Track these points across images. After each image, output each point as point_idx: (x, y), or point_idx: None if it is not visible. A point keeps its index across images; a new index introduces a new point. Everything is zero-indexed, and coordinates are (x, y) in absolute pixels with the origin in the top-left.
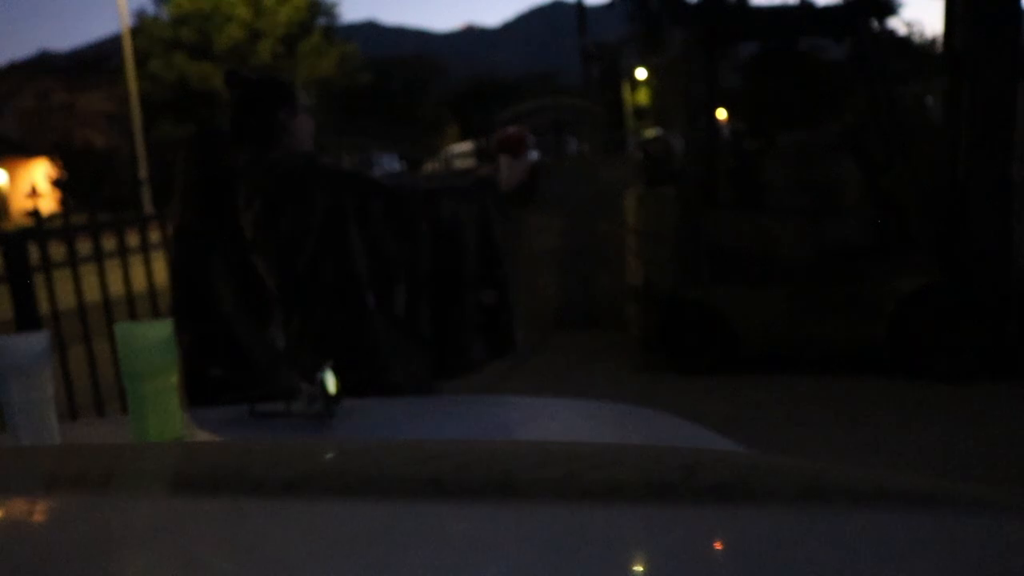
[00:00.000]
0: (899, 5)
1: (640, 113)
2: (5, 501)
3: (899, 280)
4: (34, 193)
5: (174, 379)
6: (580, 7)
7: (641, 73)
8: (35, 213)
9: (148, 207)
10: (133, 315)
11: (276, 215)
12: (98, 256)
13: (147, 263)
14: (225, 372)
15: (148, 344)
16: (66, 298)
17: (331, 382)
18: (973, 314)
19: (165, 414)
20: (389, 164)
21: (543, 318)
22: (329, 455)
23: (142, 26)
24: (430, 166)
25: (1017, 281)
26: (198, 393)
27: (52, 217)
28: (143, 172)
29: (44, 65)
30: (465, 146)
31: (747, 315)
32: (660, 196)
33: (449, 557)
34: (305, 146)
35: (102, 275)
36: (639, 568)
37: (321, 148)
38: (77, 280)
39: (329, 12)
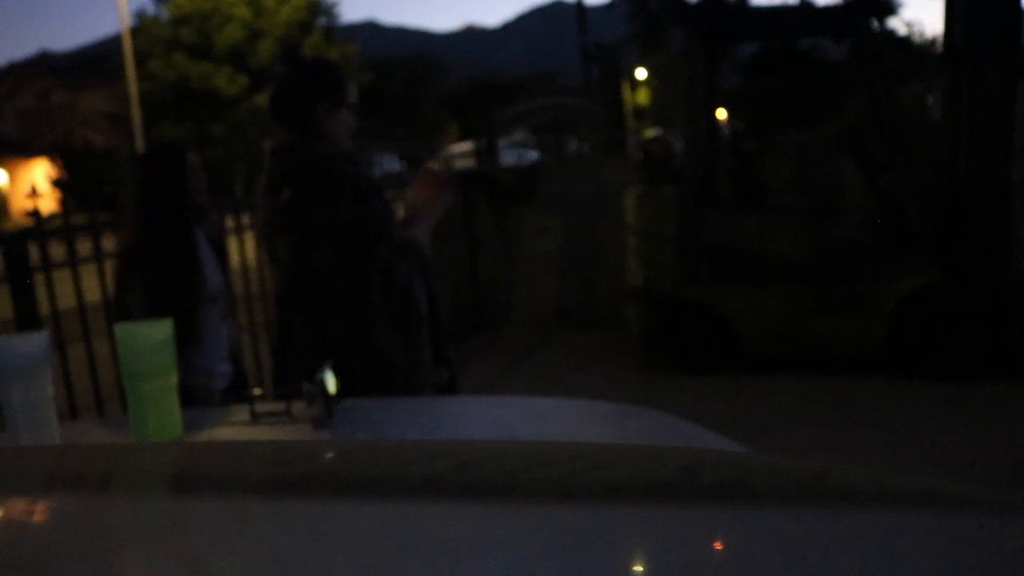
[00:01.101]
0: (899, 5)
1: (640, 113)
2: (5, 501)
3: (899, 280)
4: (34, 193)
5: (174, 379)
6: (580, 7)
7: (641, 73)
8: (35, 213)
9: None
10: None
11: (304, 209)
12: (98, 256)
13: None
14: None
15: (148, 344)
16: (66, 298)
17: (331, 382)
18: (973, 314)
19: (165, 414)
20: (389, 164)
21: (543, 318)
22: (329, 455)
23: (142, 26)
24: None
25: (1017, 281)
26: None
27: (52, 217)
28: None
29: (44, 65)
30: (465, 146)
31: (747, 315)
32: (660, 196)
33: (449, 557)
34: (341, 142)
35: (102, 275)
36: (639, 568)
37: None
38: (77, 280)
39: (329, 12)
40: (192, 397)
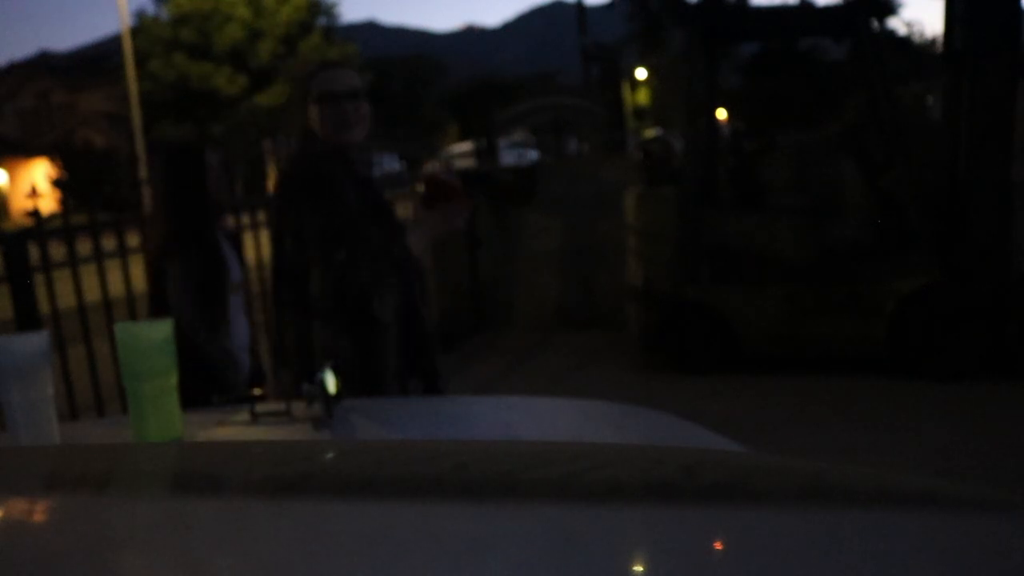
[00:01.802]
0: (899, 5)
1: (640, 113)
2: (5, 501)
3: (899, 280)
4: (34, 193)
5: (174, 379)
6: (580, 7)
7: (641, 73)
8: (35, 213)
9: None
10: (133, 315)
11: (277, 209)
12: (98, 256)
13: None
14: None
15: (148, 344)
16: (66, 298)
17: (331, 382)
18: (973, 314)
19: (165, 414)
20: (389, 164)
21: (543, 318)
22: (329, 455)
23: (142, 26)
24: (429, 166)
25: (1017, 281)
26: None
27: (52, 217)
28: (143, 172)
29: (44, 65)
30: (465, 146)
31: (747, 315)
32: (660, 196)
33: (449, 557)
34: (330, 137)
35: (102, 275)
36: (639, 568)
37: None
38: (77, 280)
39: (329, 12)
40: (223, 381)
